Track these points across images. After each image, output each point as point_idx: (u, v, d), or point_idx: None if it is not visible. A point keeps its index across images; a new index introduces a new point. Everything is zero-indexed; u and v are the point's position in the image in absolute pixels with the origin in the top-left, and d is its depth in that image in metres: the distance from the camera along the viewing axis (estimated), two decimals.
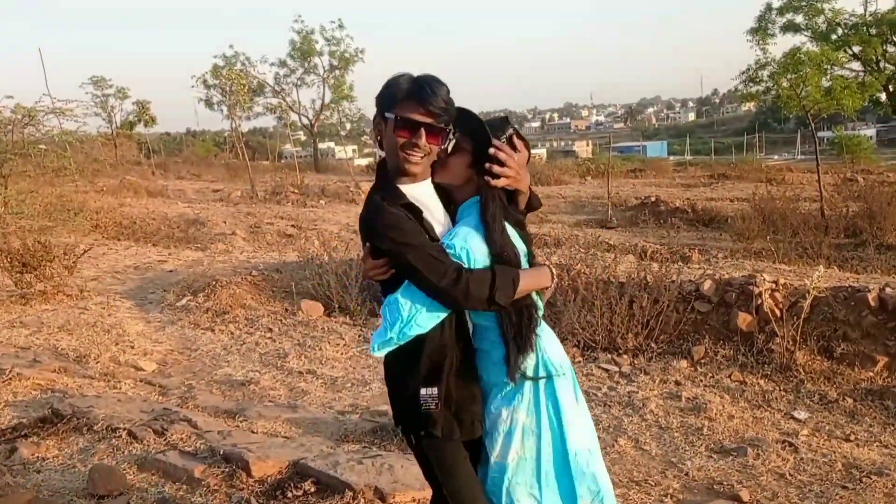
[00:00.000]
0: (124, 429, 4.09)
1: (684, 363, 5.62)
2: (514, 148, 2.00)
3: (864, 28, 21.56)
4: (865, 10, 21.91)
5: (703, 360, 5.66)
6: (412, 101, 1.90)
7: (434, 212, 2.01)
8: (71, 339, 6.60)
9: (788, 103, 15.63)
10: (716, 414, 4.64)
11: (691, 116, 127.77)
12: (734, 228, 13.04)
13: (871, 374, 5.25)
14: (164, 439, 4.00)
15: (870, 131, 52.45)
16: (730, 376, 5.35)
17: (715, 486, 3.68)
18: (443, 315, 1.91)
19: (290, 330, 7.07)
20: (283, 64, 36.35)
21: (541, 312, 2.05)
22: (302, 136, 48.90)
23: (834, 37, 21.41)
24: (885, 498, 3.56)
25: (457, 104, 1.99)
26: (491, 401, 2.02)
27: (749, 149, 49.54)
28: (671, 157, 46.44)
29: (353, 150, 60.45)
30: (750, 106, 54.81)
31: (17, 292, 8.08)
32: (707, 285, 6.23)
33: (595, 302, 6.09)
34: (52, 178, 11.48)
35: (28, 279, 8.09)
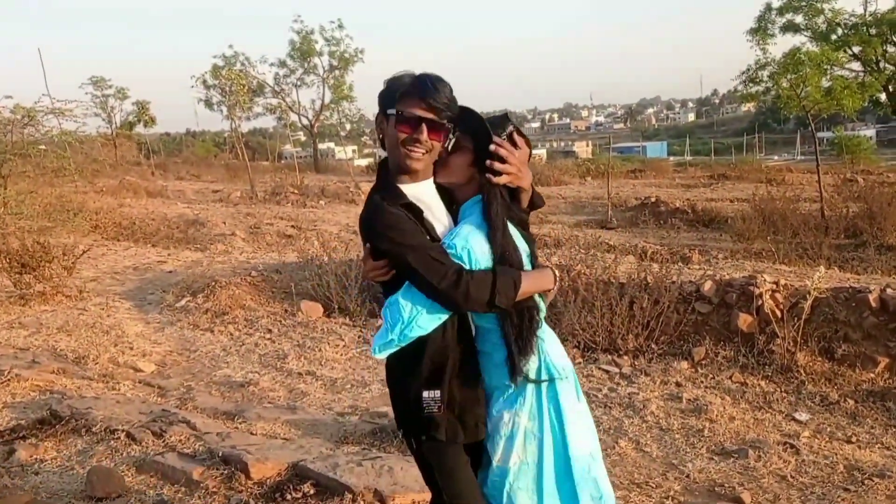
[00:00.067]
0: (123, 430, 4.07)
1: (685, 364, 5.61)
2: (514, 145, 1.98)
3: (864, 28, 21.54)
4: (865, 10, 21.90)
5: (703, 362, 5.64)
6: (414, 96, 1.89)
7: (435, 211, 1.99)
8: (70, 340, 6.58)
9: (788, 103, 15.62)
10: (717, 415, 4.63)
11: (691, 117, 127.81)
12: (734, 229, 13.03)
13: (872, 375, 5.24)
14: (163, 441, 3.98)
15: (869, 132, 52.41)
16: (731, 377, 5.33)
17: (716, 489, 3.66)
18: (444, 317, 1.89)
19: (290, 331, 7.06)
20: (282, 64, 36.38)
21: (543, 315, 2.03)
22: (302, 137, 48.89)
23: (834, 37, 21.38)
24: (887, 500, 3.55)
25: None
26: (493, 404, 2.00)
27: (749, 149, 49.57)
28: (671, 158, 46.42)
29: (353, 151, 60.50)
30: (750, 106, 54.79)
31: (16, 293, 8.06)
32: (707, 286, 6.22)
33: (595, 303, 6.08)
34: (52, 178, 11.44)
35: (27, 280, 8.08)
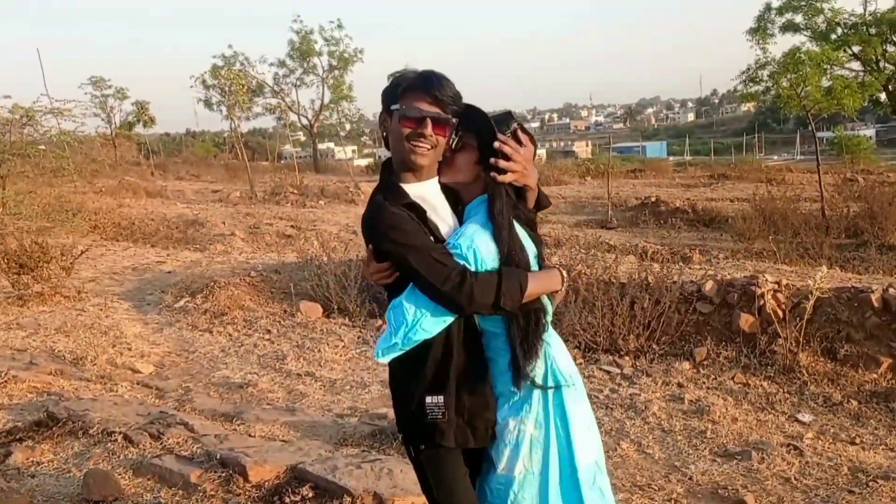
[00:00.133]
0: (120, 433, 4.03)
1: (686, 365, 5.57)
2: (519, 142, 1.93)
3: (864, 28, 21.53)
4: (865, 10, 21.89)
5: (705, 362, 5.61)
6: (418, 91, 1.84)
7: (440, 211, 1.94)
8: (68, 340, 6.54)
9: (789, 103, 15.59)
10: (719, 417, 4.59)
11: (690, 117, 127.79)
12: (735, 229, 13.00)
13: (874, 375, 5.21)
14: (161, 443, 3.94)
15: (869, 131, 52.38)
16: (732, 378, 5.30)
17: (719, 491, 3.63)
18: (449, 319, 1.83)
19: (289, 331, 7.02)
20: (282, 64, 36.40)
21: (549, 318, 1.98)
22: (301, 137, 48.88)
23: (833, 36, 21.37)
24: (892, 503, 3.51)
25: None
26: (498, 411, 1.95)
27: (748, 149, 49.57)
28: (671, 158, 46.42)
29: (353, 151, 60.54)
30: (749, 106, 54.85)
31: (14, 294, 8.02)
32: (709, 286, 6.18)
33: (596, 303, 6.04)
34: (50, 178, 11.42)
35: (25, 280, 8.04)
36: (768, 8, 20.70)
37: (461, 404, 1.88)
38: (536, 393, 1.92)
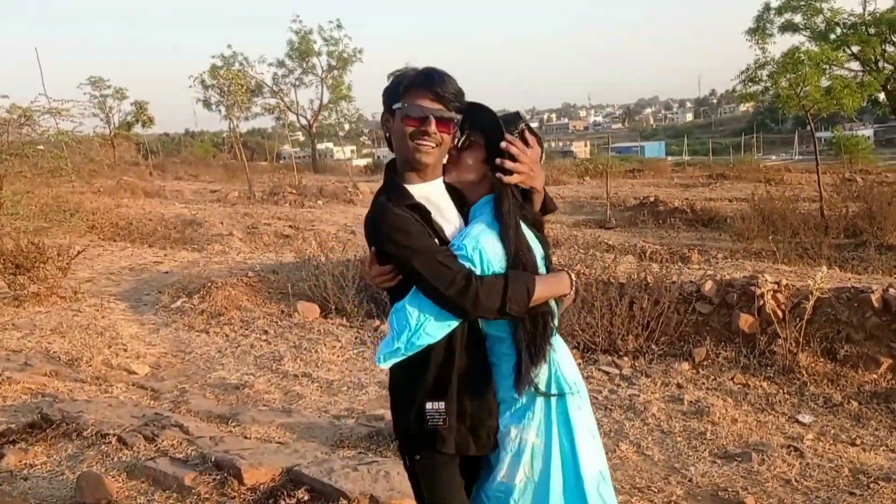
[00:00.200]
0: (114, 435, 4.00)
1: (686, 365, 5.54)
2: (526, 143, 1.89)
3: (863, 28, 21.50)
4: (864, 10, 21.86)
5: (704, 363, 5.57)
6: (420, 88, 1.80)
7: (445, 212, 1.89)
8: (63, 341, 6.50)
9: (788, 103, 15.55)
10: (719, 418, 4.56)
11: (689, 117, 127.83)
12: (734, 229, 12.97)
13: (874, 376, 5.18)
14: (155, 445, 3.90)
15: (867, 132, 52.40)
16: (732, 379, 5.27)
17: (720, 493, 3.60)
18: (454, 324, 1.78)
19: (286, 332, 6.98)
20: (281, 64, 36.39)
21: (556, 322, 1.93)
22: (300, 137, 48.85)
23: (832, 36, 21.34)
24: None
25: None
26: (500, 418, 1.90)
27: (747, 149, 49.57)
28: (669, 158, 46.38)
29: (352, 151, 60.53)
30: (748, 107, 54.82)
31: (10, 294, 7.98)
32: (708, 286, 6.15)
33: (595, 303, 6.01)
34: (48, 178, 11.37)
35: (21, 281, 8.00)
36: (767, 8, 20.66)
37: (463, 410, 1.83)
38: (539, 400, 1.87)
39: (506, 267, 1.80)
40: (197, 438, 3.97)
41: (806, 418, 4.60)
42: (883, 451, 4.16)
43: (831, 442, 4.27)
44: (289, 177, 23.38)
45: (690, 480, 3.75)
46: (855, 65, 22.03)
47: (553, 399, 1.88)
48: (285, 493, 3.28)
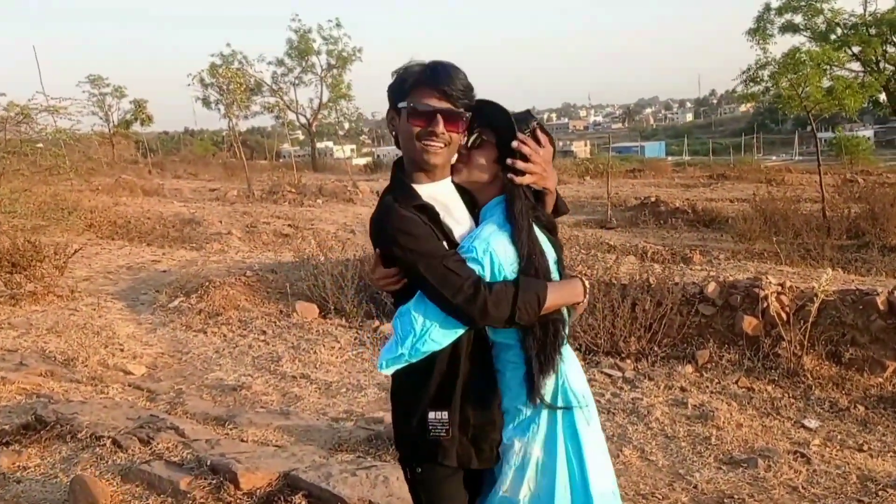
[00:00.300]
0: (109, 437, 3.92)
1: (689, 368, 5.47)
2: (538, 142, 1.82)
3: (864, 28, 21.45)
4: (865, 10, 21.81)
5: (707, 365, 5.51)
6: (427, 86, 1.72)
7: (454, 212, 1.82)
8: (59, 341, 6.43)
9: (789, 103, 15.50)
10: (724, 422, 4.49)
11: (689, 117, 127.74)
12: (735, 229, 12.92)
13: (880, 380, 5.11)
14: (150, 448, 3.83)
15: (867, 132, 52.35)
16: (736, 382, 5.20)
17: (725, 500, 3.52)
18: (461, 331, 1.71)
19: (285, 332, 6.91)
20: (280, 63, 36.32)
21: (567, 330, 1.85)
22: (300, 136, 48.77)
23: (833, 37, 21.29)
24: None
25: None
26: (503, 429, 1.82)
27: (747, 149, 49.52)
28: (669, 158, 46.32)
29: (352, 150, 60.47)
30: (748, 107, 54.75)
31: (6, 293, 7.91)
32: (711, 288, 6.08)
33: (597, 304, 5.94)
34: (46, 176, 11.30)
35: (17, 279, 7.93)
36: (768, 8, 20.62)
37: (466, 421, 1.76)
38: (545, 412, 1.78)
39: (517, 270, 1.73)
40: (193, 441, 3.90)
41: (812, 423, 4.54)
42: (891, 457, 4.09)
43: (838, 448, 4.20)
44: (288, 175, 23.29)
45: (696, 487, 3.67)
46: (856, 65, 22.01)
47: (559, 412, 1.79)
48: (282, 498, 3.22)
